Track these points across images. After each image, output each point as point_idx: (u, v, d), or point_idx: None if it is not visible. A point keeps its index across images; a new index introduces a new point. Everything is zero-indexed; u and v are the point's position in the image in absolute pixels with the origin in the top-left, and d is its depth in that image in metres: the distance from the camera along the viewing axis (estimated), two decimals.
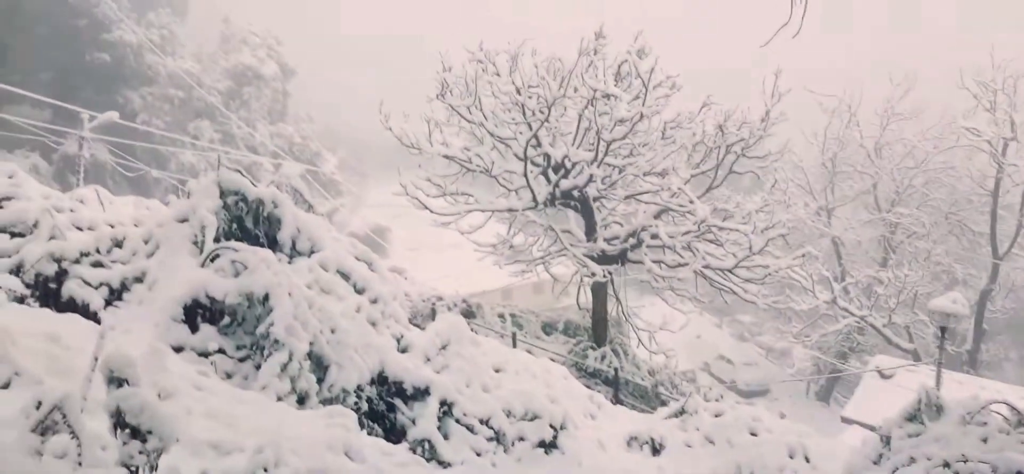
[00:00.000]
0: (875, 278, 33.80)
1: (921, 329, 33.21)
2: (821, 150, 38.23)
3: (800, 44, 6.37)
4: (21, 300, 8.18)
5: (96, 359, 5.62)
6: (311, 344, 7.67)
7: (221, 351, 7.86)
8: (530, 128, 17.30)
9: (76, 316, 7.97)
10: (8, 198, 10.50)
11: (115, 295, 8.72)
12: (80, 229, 10.29)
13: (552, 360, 14.57)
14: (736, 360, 46.85)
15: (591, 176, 17.70)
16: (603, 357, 19.28)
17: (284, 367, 7.28)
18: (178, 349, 7.66)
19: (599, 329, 20.23)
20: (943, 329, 16.74)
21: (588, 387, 13.86)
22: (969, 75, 31.83)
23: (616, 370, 18.09)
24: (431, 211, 18.61)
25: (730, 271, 17.86)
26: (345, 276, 9.86)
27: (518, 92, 17.43)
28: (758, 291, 18.51)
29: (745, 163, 18.31)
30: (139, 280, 8.85)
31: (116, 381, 5.06)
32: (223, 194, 9.60)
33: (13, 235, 9.48)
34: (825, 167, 38.42)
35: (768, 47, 6.22)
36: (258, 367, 7.47)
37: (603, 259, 18.85)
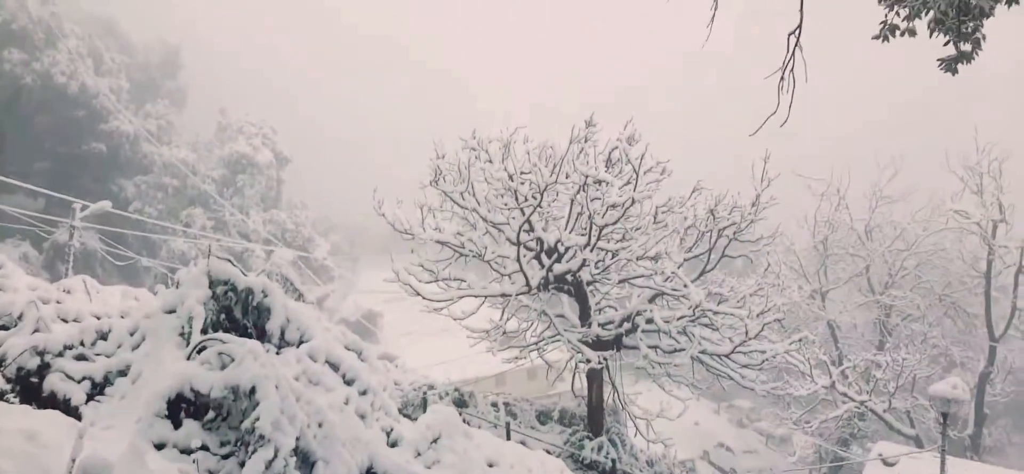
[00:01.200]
0: (873, 362, 33.47)
1: (922, 414, 32.72)
2: (812, 233, 38.51)
3: (788, 130, 6.43)
4: (1, 396, 7.95)
5: (74, 461, 5.39)
6: (298, 439, 7.42)
7: (204, 448, 7.59)
8: (523, 213, 17.35)
9: (56, 412, 7.74)
10: None
11: (98, 389, 8.49)
12: (65, 321, 10.12)
13: (547, 452, 14.19)
14: (736, 448, 45.98)
15: (584, 260, 17.66)
16: (600, 447, 18.83)
17: (269, 464, 7.01)
18: (160, 446, 7.39)
19: (595, 417, 19.82)
20: (945, 414, 16.44)
21: None
22: (955, 158, 32.38)
23: (614, 461, 17.64)
24: (423, 297, 18.44)
25: (727, 356, 17.64)
26: (334, 366, 9.65)
27: (511, 178, 17.54)
28: (756, 377, 18.25)
29: (737, 247, 18.33)
30: (123, 373, 8.64)
31: None
32: (212, 284, 9.47)
33: None
34: (817, 250, 38.61)
35: (759, 135, 6.27)
36: (242, 464, 7.19)
37: (598, 344, 18.62)
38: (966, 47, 5.62)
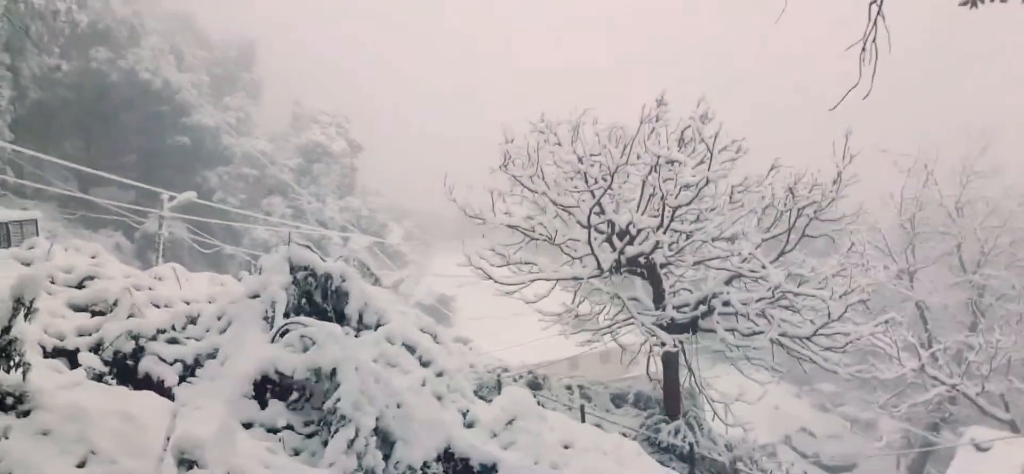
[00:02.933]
0: (965, 344, 31.95)
1: (1018, 398, 31.09)
2: (898, 211, 36.84)
3: (871, 104, 6.11)
4: (100, 378, 8.38)
5: (168, 439, 5.63)
6: (377, 419, 7.57)
7: (289, 427, 7.84)
8: (593, 196, 17.18)
9: (151, 393, 8.10)
10: (91, 277, 10.93)
11: (189, 371, 8.86)
12: (157, 306, 10.60)
13: (623, 435, 14.08)
14: (819, 433, 44.68)
15: (657, 242, 17.38)
16: (677, 431, 18.58)
17: (351, 443, 7.18)
18: (247, 425, 7.67)
19: (672, 401, 19.56)
20: None
21: (662, 464, 13.30)
22: None
23: (691, 445, 17.37)
24: (495, 281, 18.53)
25: (808, 339, 17.11)
26: (411, 349, 9.80)
27: (580, 161, 17.39)
28: (839, 360, 17.63)
29: (818, 226, 17.68)
30: (212, 356, 8.98)
31: (187, 463, 5.04)
32: (293, 269, 9.74)
33: (94, 313, 9.81)
34: (904, 228, 36.93)
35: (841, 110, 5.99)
36: (325, 443, 7.39)
37: (673, 327, 18.34)
38: None
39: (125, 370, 8.64)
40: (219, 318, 9.55)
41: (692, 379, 19.58)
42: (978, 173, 35.59)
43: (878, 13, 5.62)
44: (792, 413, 47.85)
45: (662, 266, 18.51)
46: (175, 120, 51.27)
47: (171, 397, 8.26)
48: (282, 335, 8.70)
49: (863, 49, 5.68)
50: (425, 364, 9.90)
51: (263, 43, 75.53)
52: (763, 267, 16.35)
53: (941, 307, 37.83)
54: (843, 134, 16.77)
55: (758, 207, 18.10)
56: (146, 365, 8.62)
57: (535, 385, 20.94)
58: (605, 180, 16.97)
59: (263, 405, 7.97)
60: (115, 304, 9.69)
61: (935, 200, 36.09)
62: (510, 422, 9.71)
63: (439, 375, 9.84)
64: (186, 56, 58.15)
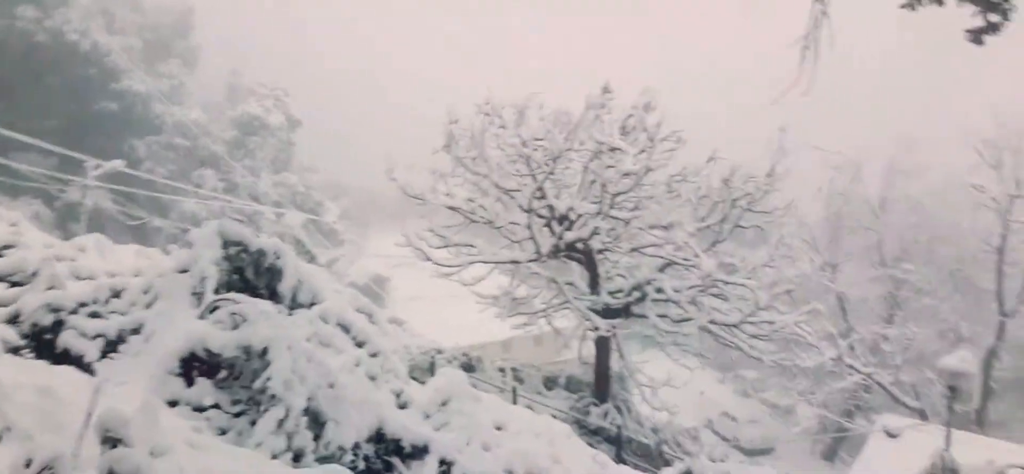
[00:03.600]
0: (881, 335, 33.49)
1: (927, 387, 32.76)
2: (826, 205, 38.22)
3: (808, 100, 6.33)
4: (16, 351, 8.03)
5: (90, 415, 5.45)
6: (309, 399, 7.48)
7: (216, 406, 7.67)
8: (535, 180, 17.28)
9: (71, 368, 7.82)
10: (9, 246, 10.43)
11: (111, 347, 8.56)
12: (79, 279, 10.19)
13: (554, 417, 14.27)
14: (740, 417, 46.10)
15: (596, 228, 17.61)
16: (606, 414, 18.95)
17: (280, 423, 7.08)
18: (173, 403, 7.47)
19: (602, 384, 19.92)
20: (952, 388, 16.41)
21: (591, 446, 13.55)
22: (973, 134, 32.08)
23: (619, 428, 17.75)
24: (434, 262, 18.48)
25: (736, 326, 17.66)
26: (345, 329, 9.70)
27: (524, 145, 17.45)
28: (764, 347, 18.27)
29: (750, 218, 18.24)
30: (136, 331, 8.70)
31: (110, 440, 4.90)
32: (225, 244, 9.50)
33: (13, 284, 9.37)
34: (830, 222, 38.36)
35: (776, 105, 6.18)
36: (254, 423, 7.27)
37: (607, 313, 18.64)
38: (995, 18, 5.50)
39: (43, 344, 8.30)
40: (145, 292, 9.25)
41: (623, 363, 19.98)
42: (902, 172, 37.21)
43: (822, 12, 5.82)
44: (716, 398, 49.24)
45: (599, 252, 18.78)
46: (104, 85, 49.08)
47: (92, 373, 7.99)
48: (211, 311, 8.49)
49: (804, 47, 5.88)
50: (360, 344, 9.81)
51: (203, 9, 73.04)
52: (696, 255, 16.76)
53: (860, 299, 39.52)
54: (778, 129, 17.33)
55: (694, 197, 18.52)
56: (66, 339, 8.31)
57: (469, 367, 21.01)
58: (548, 165, 17.08)
59: (189, 383, 7.76)
60: (34, 275, 9.29)
61: (861, 196, 37.58)
62: (444, 403, 9.73)
63: (373, 356, 9.77)
64: (118, 19, 55.63)
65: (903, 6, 5.70)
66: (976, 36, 5.67)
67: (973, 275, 37.31)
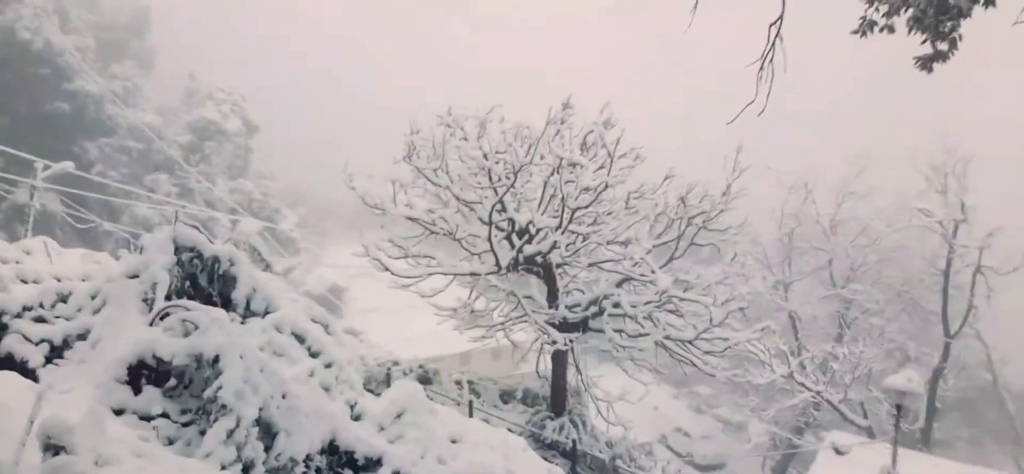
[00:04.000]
0: (831, 354, 34.21)
1: (875, 406, 33.54)
2: (779, 225, 39.04)
3: (763, 122, 6.49)
4: None
5: (32, 422, 5.29)
6: (261, 410, 7.36)
7: (165, 415, 7.50)
8: (496, 193, 17.31)
9: (13, 374, 7.58)
10: None
11: (56, 352, 8.33)
12: (25, 282, 9.89)
13: (510, 430, 14.26)
14: (693, 433, 46.67)
15: (555, 242, 17.70)
16: (561, 428, 19.00)
17: (231, 433, 6.96)
18: (119, 412, 7.29)
19: (558, 398, 19.97)
20: (898, 407, 16.84)
21: (546, 459, 13.58)
22: (922, 158, 33.12)
23: (574, 442, 17.81)
24: (392, 273, 18.34)
25: (690, 342, 17.86)
26: (300, 338, 9.58)
27: (485, 157, 17.48)
28: (717, 364, 18.50)
29: (706, 235, 18.51)
30: (82, 337, 8.48)
31: (53, 448, 4.76)
32: (178, 250, 9.32)
33: None
34: (783, 242, 39.19)
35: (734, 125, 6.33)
36: (203, 433, 7.13)
37: (564, 327, 18.73)
38: (943, 46, 5.72)
39: None
40: (93, 297, 9.03)
41: (579, 378, 20.07)
42: (852, 194, 38.21)
43: (776, 35, 5.98)
44: (670, 414, 49.79)
45: (558, 266, 18.86)
46: (56, 85, 47.85)
47: (36, 379, 7.76)
48: (162, 318, 8.31)
49: (761, 68, 6.03)
50: (314, 354, 9.69)
51: (160, 11, 71.72)
52: (652, 272, 16.94)
53: (811, 318, 40.41)
54: (735, 149, 17.67)
55: (651, 214, 18.74)
56: (9, 344, 8.06)
57: (425, 379, 20.89)
58: (508, 178, 17.12)
59: (137, 391, 7.58)
60: None
61: (812, 217, 38.48)
62: (399, 415, 9.65)
63: (328, 366, 9.66)
64: (72, 18, 54.35)
65: (854, 32, 5.89)
66: (925, 63, 5.88)
67: (920, 297, 38.45)
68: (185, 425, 7.49)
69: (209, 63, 70.36)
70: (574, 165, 17.16)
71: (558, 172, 17.08)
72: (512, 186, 17.22)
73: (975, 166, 32.81)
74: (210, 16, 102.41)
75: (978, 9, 5.44)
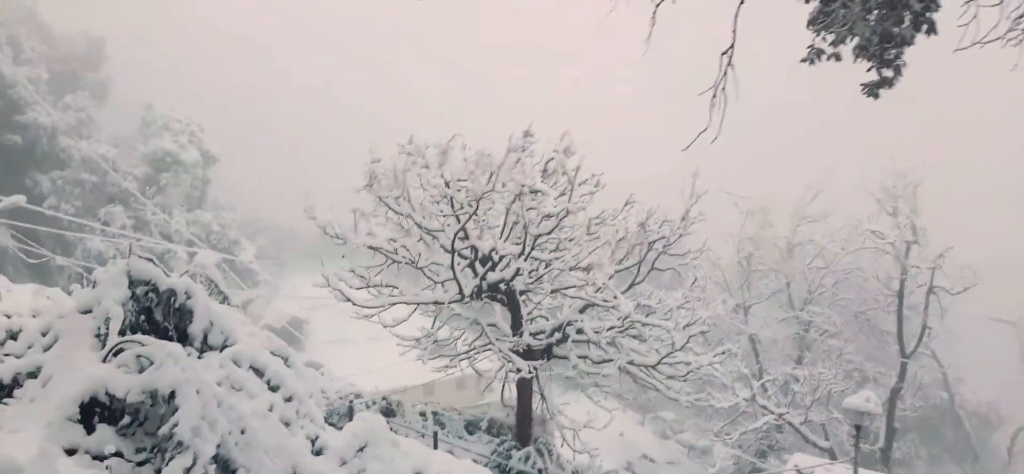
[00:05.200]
0: (791, 376, 34.73)
1: (836, 427, 34.04)
2: (737, 249, 39.66)
3: (718, 147, 6.63)
4: None
5: None
6: (218, 446, 7.19)
7: (118, 454, 7.28)
8: (458, 221, 17.31)
9: None
10: None
11: (5, 391, 8.04)
12: None
13: (475, 461, 14.15)
14: (659, 459, 46.76)
15: (518, 269, 17.73)
16: (527, 457, 18.90)
17: (187, 471, 6.78)
18: (71, 451, 7.06)
19: (524, 427, 19.89)
20: (858, 427, 17.16)
21: None
22: (874, 182, 34.04)
23: (540, 471, 17.74)
24: (354, 303, 18.16)
25: (653, 367, 17.99)
26: (259, 372, 9.40)
27: (447, 185, 17.49)
28: (680, 388, 18.66)
29: (666, 260, 18.74)
30: (33, 375, 8.21)
31: None
32: (132, 283, 9.11)
33: None
34: (741, 265, 39.79)
35: (690, 152, 6.45)
36: (158, 471, 6.93)
37: (529, 354, 18.71)
38: (888, 73, 5.92)
39: None
40: (44, 334, 8.75)
41: (544, 406, 20.02)
42: (808, 217, 39.03)
43: (728, 63, 6.13)
44: (635, 440, 49.80)
45: (521, 293, 18.88)
46: (7, 117, 46.70)
47: None
48: (116, 354, 8.10)
49: (714, 96, 6.17)
50: (274, 388, 9.51)
51: (116, 42, 70.71)
52: (615, 297, 17.06)
53: (771, 341, 41.02)
54: (692, 175, 17.98)
55: (613, 239, 18.91)
56: None
57: (389, 411, 20.64)
58: (470, 205, 17.14)
59: (90, 430, 7.35)
60: None
61: (770, 241, 39.20)
62: (361, 449, 9.51)
63: (288, 400, 9.48)
64: (25, 49, 53.27)
65: (803, 60, 6.07)
66: (871, 90, 6.08)
67: (876, 318, 39.30)
68: (140, 464, 7.28)
69: (166, 94, 69.30)
70: (536, 192, 17.26)
71: (520, 199, 17.15)
72: (474, 213, 17.24)
73: (925, 189, 33.85)
74: (167, 47, 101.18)
75: (920, 37, 5.65)
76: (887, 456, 34.97)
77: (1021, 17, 5.21)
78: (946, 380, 43.04)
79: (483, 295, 18.62)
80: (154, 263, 9.63)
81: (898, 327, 35.43)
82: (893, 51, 5.79)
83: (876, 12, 5.63)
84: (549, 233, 17.62)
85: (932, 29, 5.65)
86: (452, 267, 17.64)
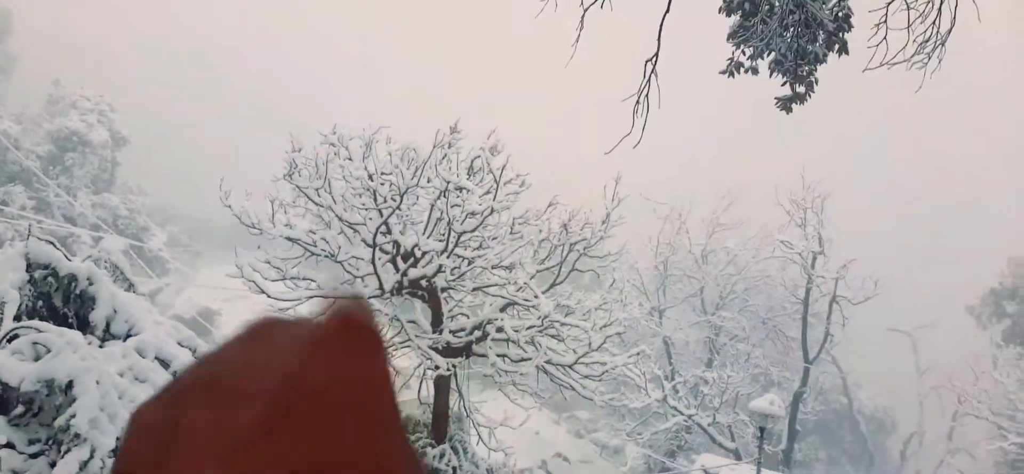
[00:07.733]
0: (701, 378, 35.73)
1: (742, 428, 35.21)
2: (655, 253, 40.60)
3: (640, 153, 6.78)
4: None
5: None
6: (118, 439, 6.89)
7: (10, 445, 6.88)
8: (381, 215, 17.09)
9: None
10: None
11: None
12: None
13: None
14: (573, 457, 47.30)
15: (441, 266, 17.64)
16: (442, 455, 18.84)
17: (84, 465, 6.47)
18: None
19: (440, 425, 19.81)
20: (762, 429, 17.87)
21: None
22: (784, 193, 35.44)
23: (455, 469, 17.71)
24: (268, 296, 17.67)
25: (570, 367, 18.21)
26: (165, 363, 9.04)
27: (371, 178, 17.24)
28: (596, 388, 18.96)
29: (587, 262, 19.01)
30: None
31: None
32: (30, 267, 8.62)
33: None
34: (658, 269, 40.74)
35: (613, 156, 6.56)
36: (53, 464, 6.59)
37: (448, 351, 18.64)
38: (801, 89, 6.17)
39: None
40: None
41: (461, 403, 20.01)
42: (722, 225, 40.34)
43: (652, 71, 6.26)
44: (550, 439, 50.23)
45: (443, 290, 18.79)
46: None
47: None
48: (10, 340, 7.65)
49: (637, 102, 6.29)
50: None
51: (23, 13, 66.74)
52: (536, 296, 17.20)
53: (684, 343, 42.14)
54: (614, 178, 18.32)
55: (535, 239, 19.06)
56: None
57: None
58: (394, 200, 16.94)
59: None
60: None
61: (686, 247, 40.30)
62: None
63: None
64: None
65: (722, 73, 6.26)
66: (785, 104, 6.33)
67: (782, 324, 40.89)
68: (33, 456, 6.90)
69: (77, 72, 65.87)
70: (461, 189, 17.23)
71: (445, 195, 17.08)
72: (398, 208, 17.06)
73: (832, 202, 35.51)
74: (79, 22, 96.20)
75: (832, 56, 5.93)
76: (788, 457, 36.47)
77: (926, 41, 5.53)
78: (846, 385, 45.25)
79: (404, 291, 18.45)
80: (55, 246, 9.16)
81: (802, 333, 37.00)
82: (807, 68, 6.05)
83: (792, 30, 5.87)
84: (473, 231, 17.61)
85: (844, 49, 5.93)
86: (373, 262, 17.40)
